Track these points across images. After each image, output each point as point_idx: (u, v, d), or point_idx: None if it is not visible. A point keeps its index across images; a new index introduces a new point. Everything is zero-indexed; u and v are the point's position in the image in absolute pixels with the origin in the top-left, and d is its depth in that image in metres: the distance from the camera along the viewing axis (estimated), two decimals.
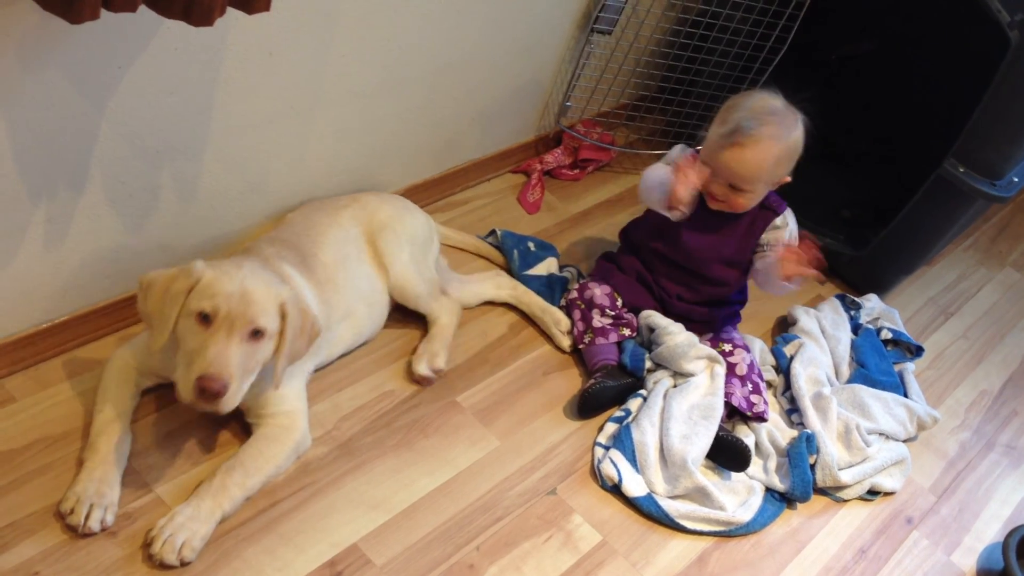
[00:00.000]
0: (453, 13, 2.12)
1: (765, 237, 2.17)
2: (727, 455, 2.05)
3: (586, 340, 2.19)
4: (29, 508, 1.61)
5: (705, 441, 2.02)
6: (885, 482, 2.15)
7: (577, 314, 2.23)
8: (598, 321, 2.19)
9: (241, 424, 1.81)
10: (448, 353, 2.09)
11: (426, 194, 2.47)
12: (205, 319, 1.55)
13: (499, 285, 2.30)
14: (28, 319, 1.77)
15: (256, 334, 1.59)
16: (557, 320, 2.25)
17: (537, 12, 2.36)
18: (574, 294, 2.26)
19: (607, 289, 2.23)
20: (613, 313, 2.20)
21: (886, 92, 3.00)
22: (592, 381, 2.11)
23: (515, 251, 2.40)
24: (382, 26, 1.97)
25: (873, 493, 2.15)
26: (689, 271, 2.22)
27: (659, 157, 2.87)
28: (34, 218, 1.62)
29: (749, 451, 2.04)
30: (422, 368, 2.03)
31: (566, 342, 2.23)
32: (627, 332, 2.21)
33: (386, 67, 2.07)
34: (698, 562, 1.91)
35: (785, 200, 2.19)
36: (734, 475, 2.06)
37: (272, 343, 1.64)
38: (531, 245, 2.44)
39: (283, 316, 1.63)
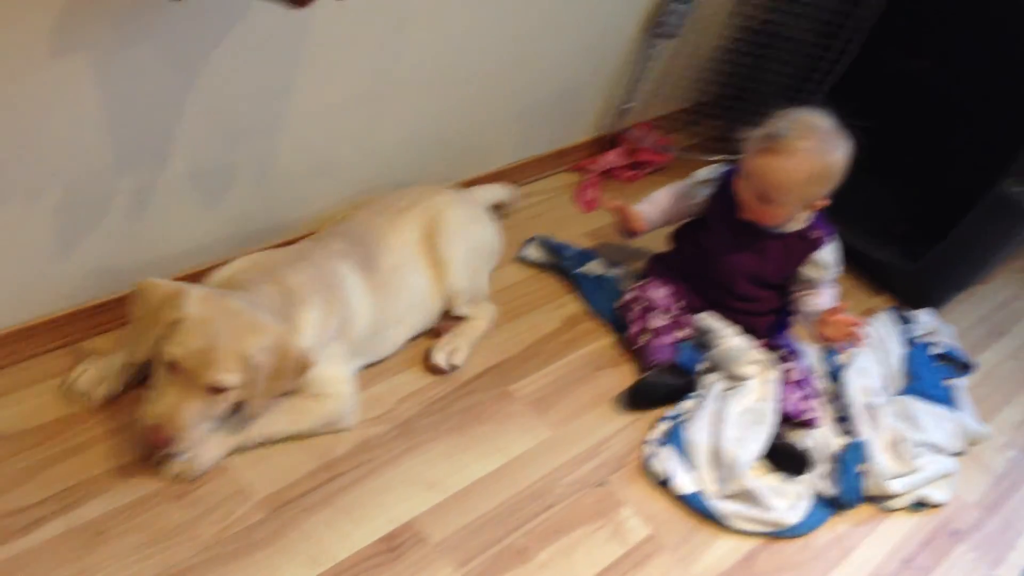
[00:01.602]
0: (524, 9, 2.16)
1: (804, 272, 2.14)
2: (786, 460, 2.06)
3: (641, 341, 2.21)
4: (98, 468, 1.67)
5: (756, 446, 2.03)
6: (933, 494, 2.16)
7: (634, 314, 2.25)
8: (656, 321, 2.21)
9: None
10: (470, 352, 2.12)
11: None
12: (172, 365, 1.58)
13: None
14: (112, 285, 1.83)
15: (214, 390, 1.61)
16: (459, 350, 2.10)
17: (604, 13, 2.40)
18: (634, 293, 2.27)
19: (670, 289, 2.25)
20: (672, 313, 2.22)
21: (944, 108, 2.99)
22: (648, 374, 2.13)
23: (563, 251, 2.44)
24: (456, 18, 2.02)
25: (920, 504, 2.16)
26: (717, 282, 2.23)
27: (714, 163, 2.92)
28: (120, 188, 1.68)
29: (808, 455, 2.06)
30: (440, 358, 2.06)
31: (441, 361, 2.07)
32: (682, 334, 2.23)
33: (455, 59, 2.12)
34: (745, 561, 1.92)
35: (832, 228, 2.15)
36: (789, 488, 2.06)
37: (237, 392, 1.64)
38: (567, 253, 2.46)
39: (249, 367, 1.61)
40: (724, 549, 1.93)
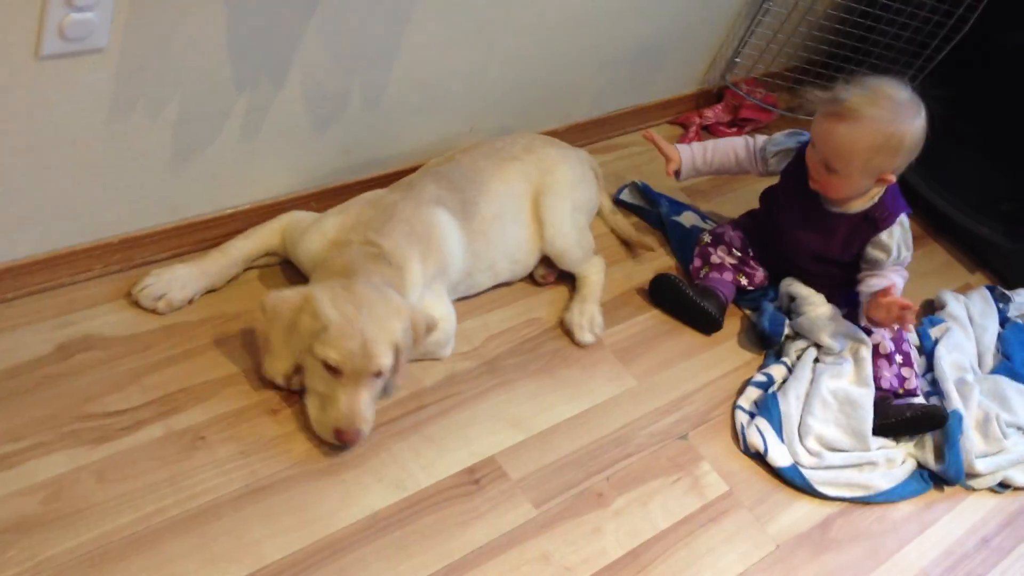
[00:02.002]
0: None
1: (868, 252, 2.08)
2: (921, 425, 2.06)
3: (701, 275, 2.21)
4: (200, 377, 1.72)
5: (859, 428, 2.02)
6: (1017, 477, 2.12)
7: (698, 250, 2.26)
8: (717, 257, 2.21)
9: None
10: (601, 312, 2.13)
11: (584, 134, 2.50)
12: (332, 369, 1.62)
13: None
14: (215, 203, 1.87)
15: (378, 374, 1.66)
16: (594, 316, 2.10)
17: None
18: (707, 236, 2.28)
19: (740, 234, 2.25)
20: (739, 255, 2.22)
21: None
22: (677, 276, 2.17)
23: (663, 198, 2.43)
24: None
25: (1004, 486, 2.13)
26: (782, 255, 2.22)
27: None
28: (236, 106, 1.71)
29: (937, 409, 2.06)
30: (587, 336, 2.06)
31: (587, 337, 2.06)
32: (745, 281, 2.23)
33: (571, 2, 2.10)
34: (822, 525, 1.92)
35: (905, 208, 2.08)
36: (878, 448, 2.05)
37: (392, 368, 1.70)
38: (664, 201, 2.46)
39: (397, 348, 1.68)
40: (801, 512, 1.93)
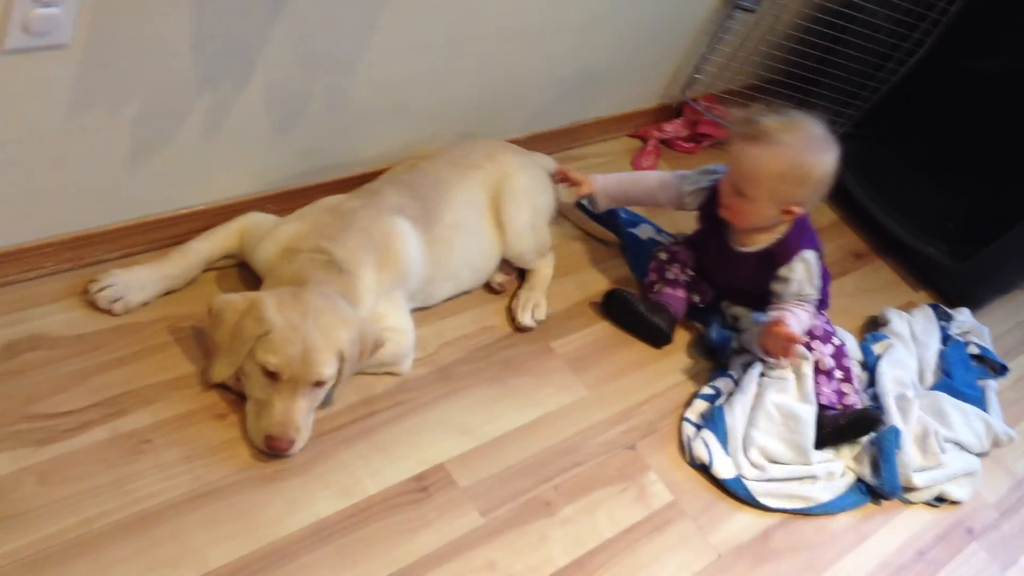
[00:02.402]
0: None
1: (772, 286, 2.09)
2: (857, 430, 2.09)
3: (655, 289, 2.24)
4: (147, 380, 1.71)
5: (801, 442, 2.05)
6: (954, 491, 2.17)
7: (653, 264, 2.29)
8: (672, 273, 2.25)
9: None
10: (547, 302, 2.16)
11: (545, 145, 2.51)
12: (270, 374, 1.62)
13: None
14: (171, 202, 1.86)
15: (318, 383, 1.66)
16: (539, 303, 2.16)
17: None
18: (662, 252, 2.30)
19: (693, 254, 2.28)
20: (691, 273, 2.25)
21: (1011, 112, 2.96)
22: (631, 295, 2.20)
23: (620, 210, 2.46)
24: None
25: (940, 499, 2.18)
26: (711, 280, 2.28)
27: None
28: (197, 106, 1.70)
29: (870, 412, 2.10)
30: (527, 319, 2.10)
31: (527, 320, 2.12)
32: (698, 299, 2.27)
33: (539, 12, 2.12)
34: (762, 536, 1.95)
35: (811, 243, 2.08)
36: (819, 462, 2.08)
37: (334, 378, 1.70)
38: (622, 213, 2.47)
39: (341, 358, 1.68)
40: (742, 523, 1.97)
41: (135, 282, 1.78)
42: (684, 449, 2.03)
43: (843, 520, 2.06)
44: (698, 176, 2.18)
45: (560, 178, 2.26)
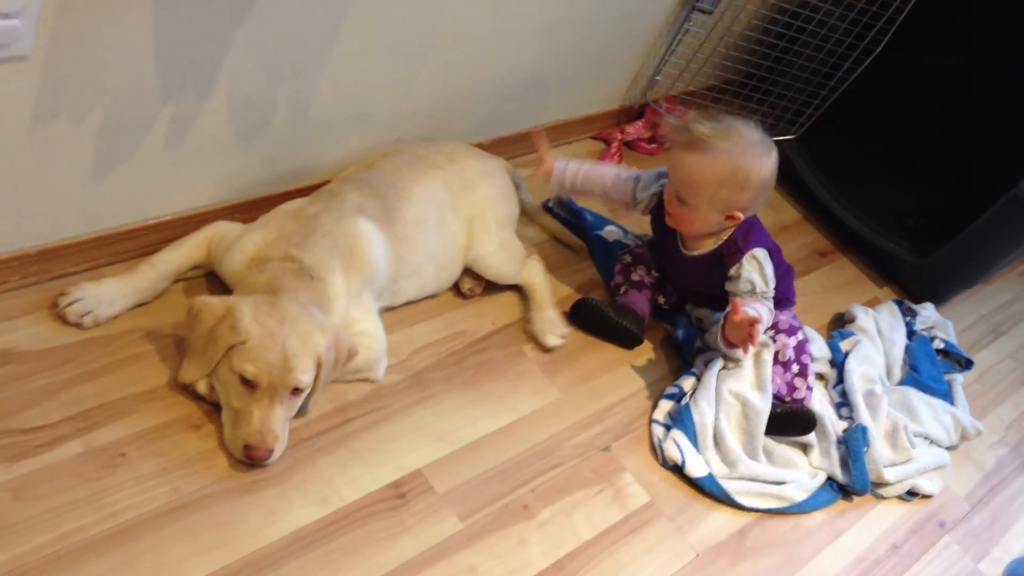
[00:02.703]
0: None
1: (726, 286, 2.09)
2: (791, 425, 2.10)
3: (622, 291, 2.26)
4: (120, 392, 1.69)
5: (756, 433, 2.06)
6: (925, 484, 2.20)
7: (619, 267, 2.30)
8: (637, 275, 2.26)
9: None
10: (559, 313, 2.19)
11: (509, 148, 2.52)
12: (248, 383, 1.61)
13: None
14: (136, 214, 1.84)
15: (296, 391, 1.66)
16: (555, 320, 2.18)
17: None
18: (627, 255, 2.32)
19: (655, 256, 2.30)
20: (656, 275, 2.27)
21: (967, 108, 3.02)
22: (600, 302, 2.20)
23: (586, 212, 2.46)
24: None
25: (911, 494, 2.20)
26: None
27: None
28: (161, 116, 1.68)
29: (809, 412, 2.10)
30: (554, 340, 2.12)
31: (554, 341, 2.14)
32: (663, 300, 2.29)
33: (497, 17, 2.12)
34: (738, 535, 1.97)
35: (758, 243, 2.06)
36: (796, 459, 2.10)
37: (311, 386, 1.69)
38: (588, 215, 2.49)
39: (319, 364, 1.67)
40: (719, 521, 1.98)
41: (105, 296, 1.75)
42: (656, 451, 2.04)
43: (818, 517, 2.07)
44: (651, 180, 2.16)
45: (534, 146, 2.23)
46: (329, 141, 2.05)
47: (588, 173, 2.21)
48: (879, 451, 2.14)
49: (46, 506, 1.49)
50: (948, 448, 2.32)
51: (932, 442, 2.28)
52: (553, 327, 2.14)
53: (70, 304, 1.73)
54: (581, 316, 2.22)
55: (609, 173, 2.21)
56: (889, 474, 2.14)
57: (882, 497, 2.17)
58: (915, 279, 2.75)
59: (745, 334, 1.97)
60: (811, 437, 2.13)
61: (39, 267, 1.75)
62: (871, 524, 2.12)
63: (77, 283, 1.76)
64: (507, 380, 2.04)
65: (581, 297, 2.22)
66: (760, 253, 2.06)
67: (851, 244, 2.85)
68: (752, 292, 2.06)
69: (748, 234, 2.06)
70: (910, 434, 2.22)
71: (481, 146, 2.37)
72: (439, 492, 1.78)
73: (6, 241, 1.68)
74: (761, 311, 2.03)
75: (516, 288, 2.23)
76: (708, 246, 2.09)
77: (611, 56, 2.58)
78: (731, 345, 2.06)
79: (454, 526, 1.74)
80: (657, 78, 2.71)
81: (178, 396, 1.71)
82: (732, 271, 2.05)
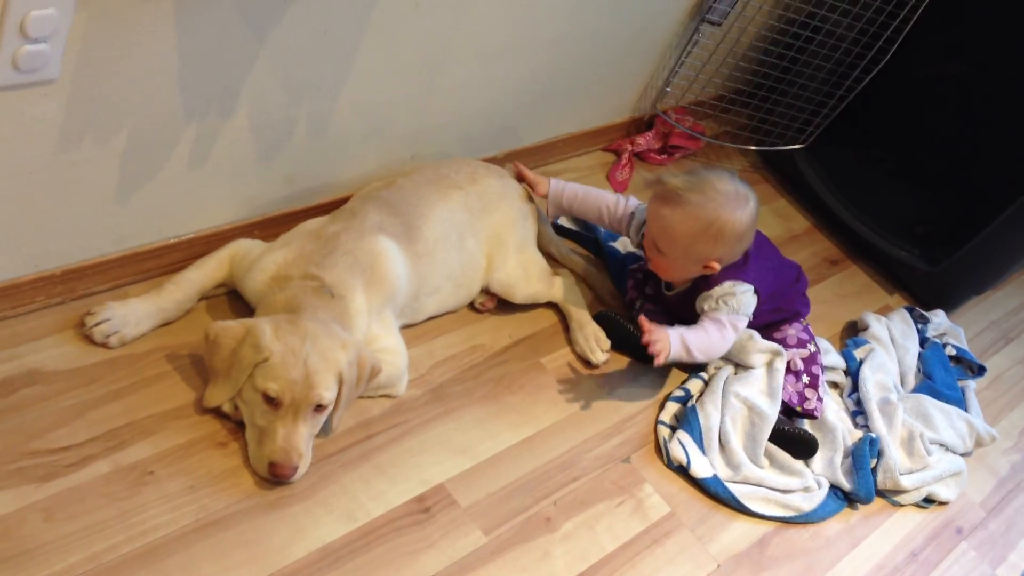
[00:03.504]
0: None
1: (697, 302, 2.10)
2: (792, 446, 2.11)
3: (637, 305, 2.26)
4: (146, 411, 1.69)
5: (760, 439, 2.08)
6: (941, 491, 2.21)
7: (631, 282, 2.31)
8: (650, 288, 2.27)
9: None
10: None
11: (521, 161, 2.48)
12: (271, 400, 1.63)
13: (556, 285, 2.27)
14: (159, 233, 1.85)
15: (319, 407, 1.67)
16: (597, 335, 2.19)
17: None
18: (639, 270, 2.33)
19: None
20: None
21: (973, 114, 3.03)
22: (616, 313, 2.21)
23: (596, 226, 2.48)
24: None
25: (928, 501, 2.21)
26: None
27: (743, 153, 2.96)
28: (184, 136, 1.70)
29: (812, 439, 2.11)
30: (600, 356, 2.14)
31: (600, 357, 2.17)
32: None
33: (512, 32, 2.14)
34: (759, 544, 1.98)
35: (746, 278, 2.05)
36: (799, 466, 2.11)
37: (333, 403, 1.70)
38: (601, 229, 2.49)
39: (340, 381, 1.68)
40: (740, 531, 1.99)
41: (131, 315, 1.76)
42: (661, 451, 2.05)
43: (836, 525, 2.08)
44: (643, 219, 2.14)
45: (517, 176, 2.25)
46: (347, 158, 2.06)
47: (587, 196, 2.23)
48: (895, 459, 2.16)
49: (77, 526, 1.50)
50: (963, 455, 2.33)
51: (947, 449, 2.30)
52: (597, 343, 2.15)
53: (97, 324, 1.74)
54: (602, 324, 2.22)
55: (609, 200, 2.22)
56: (906, 482, 2.15)
57: (899, 505, 2.18)
58: (926, 286, 2.76)
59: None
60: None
61: (64, 287, 1.76)
62: (889, 532, 2.13)
63: (103, 303, 1.77)
64: (526, 393, 2.05)
65: (600, 311, 2.23)
66: (737, 285, 2.04)
67: (862, 252, 2.86)
68: (716, 309, 2.05)
69: (727, 272, 2.05)
70: (926, 441, 2.23)
71: (495, 160, 2.38)
72: (463, 506, 1.79)
73: (31, 262, 1.69)
74: (711, 331, 2.03)
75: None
76: (684, 286, 2.12)
77: (622, 68, 2.59)
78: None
79: (478, 540, 1.75)
80: (667, 89, 2.73)
81: (203, 414, 1.73)
82: (707, 292, 2.06)
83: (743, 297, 2.05)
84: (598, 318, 2.22)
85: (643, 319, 1.97)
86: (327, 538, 1.64)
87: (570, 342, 2.18)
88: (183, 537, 1.55)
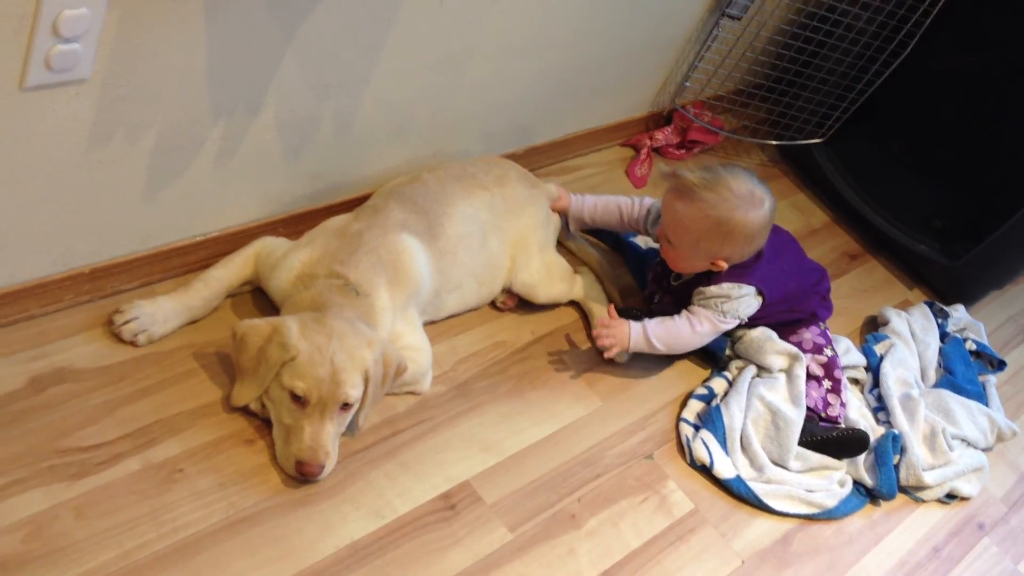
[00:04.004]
0: None
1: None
2: (844, 449, 2.11)
3: (656, 300, 2.26)
4: (175, 408, 1.70)
5: (785, 443, 2.07)
6: (963, 487, 2.21)
7: (651, 275, 2.31)
8: (670, 282, 2.26)
9: None
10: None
11: (541, 157, 2.54)
12: (298, 399, 1.63)
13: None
14: (185, 230, 1.86)
15: (346, 406, 1.68)
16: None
17: None
18: (659, 264, 2.31)
19: None
20: None
21: (991, 108, 3.02)
22: (633, 307, 2.23)
23: None
24: None
25: (950, 496, 2.21)
26: None
27: (762, 147, 2.95)
28: (211, 134, 1.70)
29: (863, 435, 2.11)
30: (622, 356, 2.12)
31: (623, 357, 2.14)
32: None
33: (533, 28, 2.14)
34: (783, 540, 1.98)
35: (750, 281, 2.06)
36: (818, 462, 2.10)
37: (360, 401, 1.71)
38: None
39: (367, 379, 1.69)
40: (763, 528, 1.99)
41: (159, 314, 1.77)
42: (684, 450, 2.06)
43: (858, 521, 2.08)
44: (659, 214, 2.14)
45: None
46: (370, 156, 2.06)
47: (606, 206, 2.25)
48: (918, 455, 2.15)
49: (108, 524, 1.51)
50: (984, 449, 2.33)
51: (969, 444, 2.29)
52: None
53: (125, 323, 1.74)
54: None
55: (624, 204, 2.24)
56: (928, 478, 2.15)
57: (922, 500, 2.18)
58: (946, 281, 2.75)
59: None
60: None
61: (92, 285, 1.77)
62: (911, 528, 2.13)
63: (131, 300, 1.78)
64: (549, 389, 2.05)
65: (622, 307, 2.23)
66: (736, 288, 2.05)
67: (881, 246, 2.86)
68: (703, 305, 2.06)
69: (739, 273, 2.05)
70: (948, 437, 2.23)
71: (514, 156, 2.39)
72: (488, 503, 1.79)
73: (60, 260, 1.70)
74: (652, 330, 2.05)
75: None
76: (692, 275, 2.12)
77: (641, 63, 2.59)
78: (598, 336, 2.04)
79: (503, 537, 1.75)
80: (686, 84, 2.72)
81: (231, 412, 1.73)
82: (704, 289, 2.06)
83: (739, 302, 2.05)
84: (621, 314, 2.21)
85: (611, 308, 2.02)
86: (355, 535, 1.65)
87: (591, 338, 2.18)
88: (213, 534, 1.56)
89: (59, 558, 1.44)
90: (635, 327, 2.02)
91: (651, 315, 2.19)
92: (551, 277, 2.16)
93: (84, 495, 1.53)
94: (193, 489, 1.60)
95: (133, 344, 1.75)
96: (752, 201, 1.95)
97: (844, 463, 2.13)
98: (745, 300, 2.06)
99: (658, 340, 2.04)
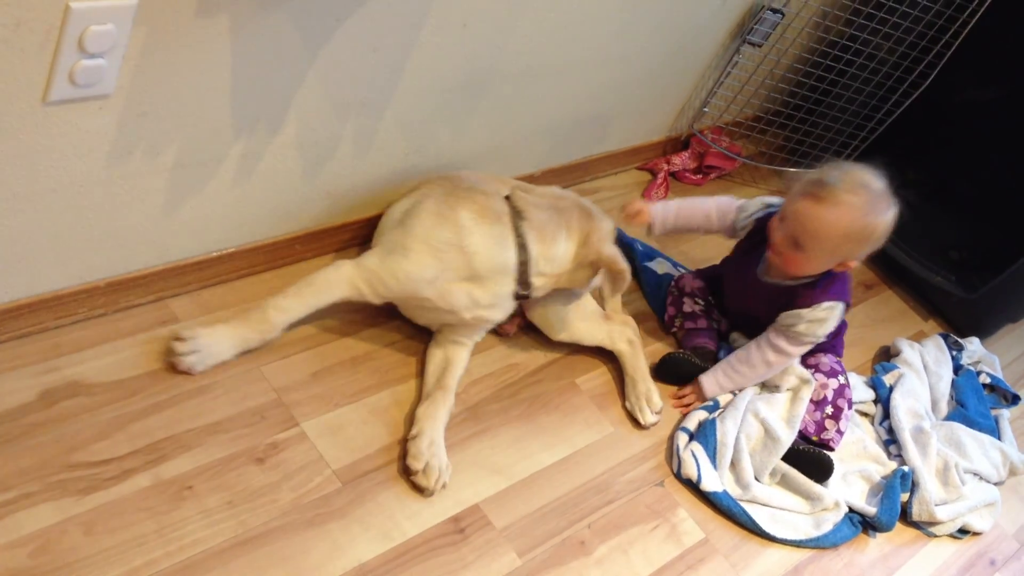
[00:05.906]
0: (628, 9, 2.18)
1: (781, 313, 2.09)
2: (808, 466, 2.09)
3: (677, 324, 2.27)
4: (186, 424, 1.69)
5: (766, 460, 2.06)
6: (975, 522, 2.19)
7: (670, 299, 2.31)
8: (688, 306, 2.27)
9: (380, 369, 1.93)
10: (654, 385, 2.14)
11: (558, 179, 2.53)
12: None
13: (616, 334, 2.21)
14: (202, 246, 1.85)
15: None
16: (649, 395, 2.12)
17: (699, 17, 2.42)
18: (675, 287, 2.34)
19: (700, 283, 2.31)
20: (703, 302, 2.28)
21: (1010, 139, 3.01)
22: (680, 351, 2.21)
23: (636, 243, 2.46)
24: (564, 11, 2.03)
25: (962, 531, 2.19)
26: (727, 308, 2.31)
27: (778, 173, 2.95)
28: (231, 151, 1.70)
29: (828, 460, 2.08)
30: (650, 418, 2.09)
31: (649, 419, 2.10)
32: (716, 325, 2.29)
33: (553, 53, 2.13)
34: (793, 572, 1.96)
35: (840, 297, 2.07)
36: (815, 490, 2.08)
37: None
38: (639, 245, 2.49)
39: None
40: (774, 559, 1.97)
41: (216, 346, 1.75)
42: (673, 458, 2.04)
43: (871, 554, 2.07)
44: (753, 208, 2.16)
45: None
46: (389, 175, 2.06)
47: (691, 208, 2.23)
48: (931, 491, 2.14)
49: (116, 540, 1.50)
50: (996, 484, 2.31)
51: (981, 478, 2.28)
52: (649, 404, 2.10)
53: (185, 355, 1.72)
54: (670, 372, 2.20)
55: (709, 204, 2.23)
56: (941, 513, 2.13)
57: (934, 535, 2.16)
58: (961, 313, 2.74)
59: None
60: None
61: (106, 299, 1.76)
62: (923, 563, 2.11)
63: (192, 328, 1.76)
64: (561, 413, 2.04)
65: (667, 354, 2.21)
66: (834, 308, 2.06)
67: (897, 277, 2.85)
68: (791, 328, 2.06)
69: (832, 283, 2.06)
70: (960, 471, 2.21)
71: (532, 178, 2.39)
72: (497, 527, 1.78)
73: (76, 274, 1.69)
74: (724, 381, 2.15)
75: None
76: (791, 281, 2.09)
77: (661, 88, 2.59)
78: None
79: (512, 562, 1.74)
80: (705, 109, 2.72)
81: (242, 428, 1.72)
82: (802, 310, 2.05)
83: (830, 323, 2.07)
84: (667, 360, 2.19)
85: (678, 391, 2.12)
86: (363, 557, 1.64)
87: (622, 396, 2.14)
88: (221, 553, 1.55)
89: (66, 574, 1.43)
90: (708, 383, 2.11)
91: (698, 352, 2.22)
92: (572, 315, 2.11)
93: (93, 510, 1.52)
94: (202, 507, 1.59)
95: (187, 373, 1.74)
96: (888, 200, 1.95)
97: (830, 491, 2.10)
98: (834, 318, 2.07)
99: (734, 385, 2.15)
